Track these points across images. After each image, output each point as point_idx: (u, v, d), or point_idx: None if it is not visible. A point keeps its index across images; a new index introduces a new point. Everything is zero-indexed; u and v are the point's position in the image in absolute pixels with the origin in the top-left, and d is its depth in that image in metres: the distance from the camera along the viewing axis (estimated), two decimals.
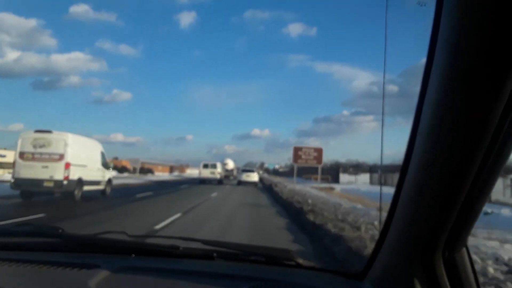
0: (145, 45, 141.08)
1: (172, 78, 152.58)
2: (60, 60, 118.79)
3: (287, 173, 70.68)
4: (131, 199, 13.34)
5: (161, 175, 54.67)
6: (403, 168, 0.67)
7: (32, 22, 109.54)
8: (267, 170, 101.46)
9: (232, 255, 1.14)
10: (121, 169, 48.42)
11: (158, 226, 7.16)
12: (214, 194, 17.26)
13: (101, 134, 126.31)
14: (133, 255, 1.13)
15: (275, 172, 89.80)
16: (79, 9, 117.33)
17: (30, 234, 1.23)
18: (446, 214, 0.60)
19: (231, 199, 15.24)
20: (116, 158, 63.25)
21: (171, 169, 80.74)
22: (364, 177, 38.30)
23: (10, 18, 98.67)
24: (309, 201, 11.83)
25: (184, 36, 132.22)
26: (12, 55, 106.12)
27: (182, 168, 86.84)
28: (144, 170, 56.30)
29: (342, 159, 64.60)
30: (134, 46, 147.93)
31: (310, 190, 19.91)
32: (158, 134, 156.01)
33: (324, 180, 31.77)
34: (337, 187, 26.67)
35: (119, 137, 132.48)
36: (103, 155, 14.48)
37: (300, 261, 1.09)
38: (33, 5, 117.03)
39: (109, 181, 14.99)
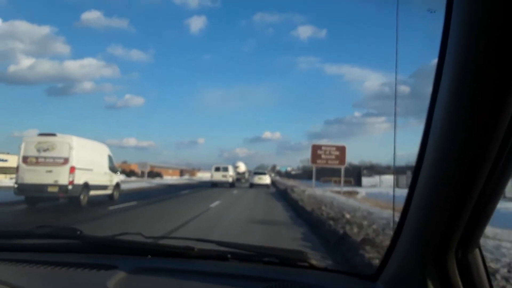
0: (156, 50, 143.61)
1: (183, 81, 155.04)
2: (73, 66, 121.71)
3: (300, 175, 70.15)
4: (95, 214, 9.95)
5: (170, 178, 54.39)
6: (416, 169, 0.68)
7: (45, 30, 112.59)
8: (279, 173, 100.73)
9: (246, 256, 1.16)
10: (129, 173, 48.33)
11: None
12: (215, 204, 13.16)
13: (114, 138, 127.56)
14: (149, 256, 1.17)
15: (288, 175, 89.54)
16: (91, 16, 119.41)
17: (49, 235, 1.26)
18: (459, 214, 0.61)
19: (237, 212, 11.19)
20: (125, 162, 63.50)
21: (182, 173, 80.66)
22: (388, 179, 35.76)
23: (23, 26, 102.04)
24: (347, 215, 8.40)
25: (194, 40, 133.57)
26: (26, 62, 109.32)
27: (192, 171, 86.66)
28: (153, 174, 55.93)
29: (355, 160, 64.69)
30: (145, 51, 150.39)
31: (333, 195, 17.45)
32: (170, 138, 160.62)
33: (347, 183, 28.46)
34: (361, 190, 25.14)
35: (131, 141, 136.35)
36: (110, 158, 14.04)
37: (314, 262, 1.11)
38: (46, 12, 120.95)
39: (117, 185, 14.55)
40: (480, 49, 0.50)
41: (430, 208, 0.68)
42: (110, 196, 13.96)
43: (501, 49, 0.48)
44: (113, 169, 14.19)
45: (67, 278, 1.01)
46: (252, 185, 28.57)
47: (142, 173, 48.21)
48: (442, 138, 0.60)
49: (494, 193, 0.59)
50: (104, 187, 13.39)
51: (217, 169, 29.55)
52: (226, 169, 29.61)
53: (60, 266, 1.06)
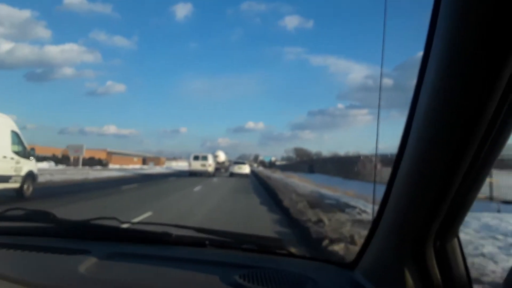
0: (140, 36, 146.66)
1: (167, 70, 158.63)
2: (54, 51, 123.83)
3: (288, 167, 66.71)
4: None
5: (119, 168, 47.31)
6: (397, 160, 0.72)
7: (26, 13, 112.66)
8: (262, 163, 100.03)
9: (224, 243, 1.21)
10: (62, 159, 41.36)
11: None
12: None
13: (94, 125, 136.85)
14: (125, 242, 1.21)
15: (272, 165, 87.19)
16: (74, 0, 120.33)
17: (22, 218, 1.29)
18: (439, 204, 0.64)
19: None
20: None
21: (144, 161, 74.94)
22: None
23: (3, 9, 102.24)
24: None
25: (179, 28, 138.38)
26: (5, 46, 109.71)
27: (158, 159, 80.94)
28: (94, 162, 47.76)
29: (340, 151, 64.21)
30: (128, 37, 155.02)
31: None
32: (152, 126, 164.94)
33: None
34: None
35: (112, 129, 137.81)
36: (16, 136, 9.77)
37: (292, 250, 1.17)
38: None
39: (30, 176, 10.37)
40: (466, 44, 0.53)
41: (410, 198, 0.70)
42: (18, 191, 9.81)
43: (488, 45, 0.50)
44: (22, 152, 9.91)
45: (38, 262, 1.03)
46: (232, 174, 30.35)
47: (75, 160, 41.29)
48: (425, 129, 0.63)
49: (474, 183, 0.62)
50: (4, 179, 9.10)
51: (196, 158, 29.58)
52: (205, 158, 29.56)
53: (30, 250, 1.09)
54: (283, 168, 67.40)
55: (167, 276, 0.97)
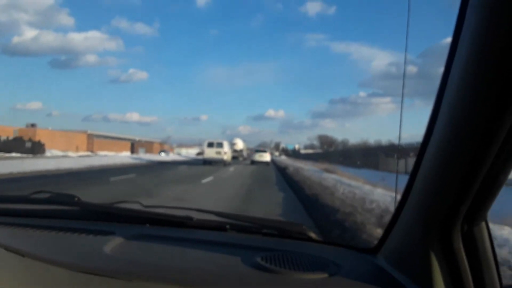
0: (161, 24, 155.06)
1: (188, 57, 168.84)
2: (77, 38, 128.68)
3: (314, 156, 55.72)
4: None
5: (74, 156, 36.27)
6: (423, 145, 0.75)
7: (49, 0, 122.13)
8: (285, 151, 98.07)
9: (244, 227, 1.26)
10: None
11: None
12: None
13: (117, 113, 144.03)
14: (148, 225, 1.27)
15: (296, 154, 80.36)
16: None
17: (47, 201, 1.36)
18: (468, 187, 0.65)
19: None
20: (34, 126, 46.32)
21: (133, 147, 62.98)
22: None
23: None
24: None
25: (200, 14, 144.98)
26: (29, 33, 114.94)
27: (151, 145, 69.07)
28: (16, 144, 36.11)
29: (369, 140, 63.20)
30: (150, 24, 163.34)
31: None
32: (173, 114, 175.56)
33: None
34: None
35: (134, 116, 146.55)
36: None
37: (312, 235, 1.21)
38: None
39: None
40: (501, 29, 0.53)
41: (437, 182, 0.72)
42: None
43: None
44: None
45: (64, 241, 1.09)
46: (253, 162, 32.26)
47: None
48: (452, 114, 0.65)
49: (505, 165, 0.62)
50: None
51: (210, 145, 28.85)
52: (220, 145, 28.70)
53: (57, 231, 1.15)
54: (308, 157, 59.18)
55: (189, 256, 1.03)
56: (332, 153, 55.61)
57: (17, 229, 1.18)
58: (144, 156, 47.30)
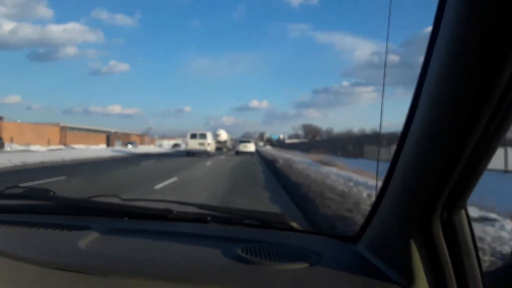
0: (142, 15, 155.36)
1: (170, 49, 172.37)
2: (56, 31, 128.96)
3: (299, 146, 54.47)
4: None
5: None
6: (403, 134, 0.75)
7: None
8: (270, 141, 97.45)
9: (226, 218, 1.25)
10: None
11: None
12: None
13: (98, 106, 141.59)
14: (126, 218, 1.24)
15: (281, 144, 79.20)
16: None
17: (21, 196, 1.32)
18: (447, 176, 0.65)
19: None
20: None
21: (108, 141, 59.89)
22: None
23: None
24: None
25: (181, 5, 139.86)
26: (7, 26, 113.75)
27: (129, 137, 65.82)
28: None
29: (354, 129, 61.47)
30: (130, 15, 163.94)
31: None
32: (156, 106, 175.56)
33: None
34: None
35: (116, 109, 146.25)
36: None
37: (294, 224, 1.19)
38: None
39: None
40: (480, 18, 0.53)
41: (416, 170, 0.72)
42: None
43: (504, 18, 0.50)
44: None
45: (37, 237, 1.06)
46: (238, 153, 32.80)
47: None
48: (432, 102, 0.65)
49: (484, 154, 0.63)
50: None
51: (193, 136, 28.08)
52: (203, 136, 28.05)
53: (30, 226, 1.13)
54: (293, 147, 57.96)
55: (168, 249, 1.01)
56: (319, 142, 54.19)
57: None
58: (115, 148, 44.37)
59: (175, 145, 62.73)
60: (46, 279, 0.83)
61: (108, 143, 59.20)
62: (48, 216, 1.24)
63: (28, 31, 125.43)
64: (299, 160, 17.64)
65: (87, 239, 1.00)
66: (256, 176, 12.37)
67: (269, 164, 17.69)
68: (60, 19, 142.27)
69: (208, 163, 19.51)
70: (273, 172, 13.38)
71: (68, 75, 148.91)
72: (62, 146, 43.96)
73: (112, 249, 0.99)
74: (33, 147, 34.44)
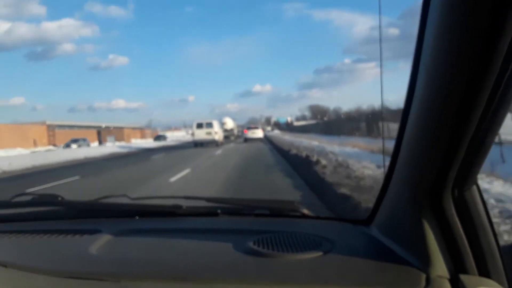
0: (135, 5, 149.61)
1: (167, 38, 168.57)
2: (51, 28, 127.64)
3: (310, 128, 49.84)
4: None
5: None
6: (405, 110, 0.73)
7: None
8: (277, 125, 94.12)
9: (236, 210, 1.25)
10: None
11: None
12: None
13: (102, 101, 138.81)
14: (136, 217, 1.24)
15: (290, 128, 75.02)
16: None
17: (30, 204, 1.31)
18: (455, 150, 0.63)
19: None
20: None
21: (99, 136, 55.05)
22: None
23: None
24: None
25: None
26: (2, 26, 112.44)
27: (121, 132, 60.63)
28: None
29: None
30: (124, 7, 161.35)
31: None
32: (159, 97, 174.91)
33: None
34: None
35: (120, 103, 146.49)
36: None
37: (305, 211, 1.18)
38: None
39: None
40: None
41: (423, 147, 0.70)
42: None
43: None
44: None
45: (48, 246, 1.06)
46: (247, 140, 32.50)
47: None
48: (432, 73, 0.62)
49: (491, 127, 0.61)
50: None
51: (199, 126, 26.98)
52: (210, 125, 26.93)
53: (41, 234, 1.12)
54: (306, 129, 53.25)
55: (179, 248, 0.99)
56: (331, 122, 49.36)
57: None
58: (111, 145, 39.12)
59: (158, 137, 56.94)
60: None
61: (100, 139, 54.36)
62: (58, 222, 1.24)
63: (23, 30, 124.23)
64: (338, 151, 11.78)
65: (98, 243, 0.99)
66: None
67: (290, 159, 11.82)
68: (53, 15, 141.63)
69: (218, 151, 17.30)
70: (306, 180, 7.35)
71: (68, 72, 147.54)
72: (51, 147, 39.41)
73: (123, 252, 0.98)
74: (11, 152, 29.88)
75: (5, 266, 0.90)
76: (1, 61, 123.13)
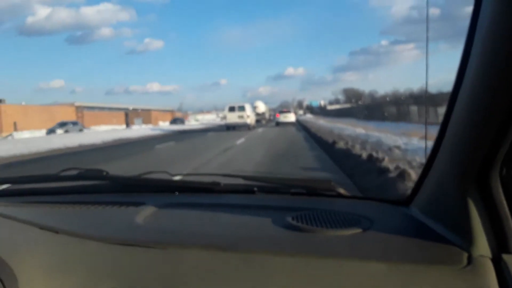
0: None
1: (201, 21, 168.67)
2: (90, 12, 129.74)
3: (345, 112, 46.81)
4: None
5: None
6: (454, 90, 0.73)
7: None
8: (310, 109, 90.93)
9: (272, 188, 1.26)
10: None
11: None
12: None
13: (137, 84, 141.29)
14: (177, 193, 1.28)
15: (323, 112, 71.84)
16: None
17: (77, 178, 1.34)
18: (505, 129, 0.63)
19: None
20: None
21: (127, 119, 54.05)
22: None
23: None
24: None
25: None
26: (42, 12, 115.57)
27: (149, 114, 59.43)
28: None
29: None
30: None
31: None
32: (192, 81, 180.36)
33: None
34: None
35: (155, 86, 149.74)
36: None
37: (342, 191, 1.18)
38: None
39: None
40: None
41: (472, 125, 0.69)
42: None
43: None
44: None
45: (96, 215, 1.09)
46: (278, 123, 33.00)
47: None
48: (486, 54, 0.61)
49: None
50: None
51: (232, 109, 27.28)
52: (242, 109, 27.11)
53: (88, 205, 1.15)
54: (339, 113, 49.45)
55: (219, 221, 1.02)
56: (369, 106, 45.69)
57: (49, 207, 1.18)
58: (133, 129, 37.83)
59: (175, 121, 54.17)
60: (108, 254, 0.85)
61: (127, 121, 53.33)
62: (103, 195, 1.29)
63: (63, 15, 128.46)
64: (416, 147, 8.41)
65: (143, 214, 1.02)
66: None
67: (341, 161, 8.18)
68: (92, 0, 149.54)
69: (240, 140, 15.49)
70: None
71: (106, 56, 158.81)
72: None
73: (167, 222, 1.01)
74: (28, 134, 28.98)
75: (56, 232, 0.93)
76: (42, 45, 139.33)
